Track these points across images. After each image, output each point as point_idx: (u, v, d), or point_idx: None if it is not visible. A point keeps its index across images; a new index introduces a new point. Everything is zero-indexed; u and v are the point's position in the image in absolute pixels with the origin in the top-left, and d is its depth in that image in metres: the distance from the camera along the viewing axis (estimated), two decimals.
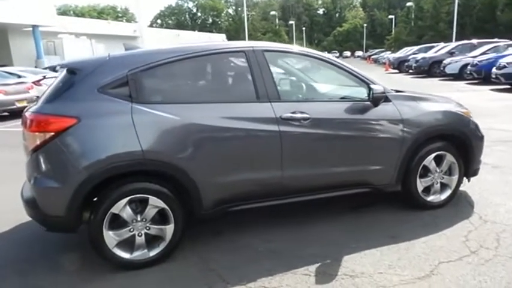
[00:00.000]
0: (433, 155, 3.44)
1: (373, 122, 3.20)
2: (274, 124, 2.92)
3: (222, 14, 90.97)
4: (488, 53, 16.37)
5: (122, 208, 2.65)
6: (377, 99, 3.11)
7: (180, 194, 2.80)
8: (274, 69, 3.08)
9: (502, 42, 18.33)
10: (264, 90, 2.95)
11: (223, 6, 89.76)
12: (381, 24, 73.24)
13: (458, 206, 3.61)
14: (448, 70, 17.57)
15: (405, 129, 3.27)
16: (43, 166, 2.57)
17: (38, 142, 2.54)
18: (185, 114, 2.74)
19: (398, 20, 54.24)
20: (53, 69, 16.19)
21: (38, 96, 7.04)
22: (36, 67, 19.69)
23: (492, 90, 12.50)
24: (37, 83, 11.98)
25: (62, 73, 2.92)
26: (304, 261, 2.80)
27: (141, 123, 2.63)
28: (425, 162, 3.43)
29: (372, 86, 3.12)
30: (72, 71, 2.73)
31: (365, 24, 74.98)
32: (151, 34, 43.95)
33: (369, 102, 3.18)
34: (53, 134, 2.52)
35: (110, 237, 2.67)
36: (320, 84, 3.65)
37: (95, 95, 2.64)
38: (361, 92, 3.26)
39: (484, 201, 3.70)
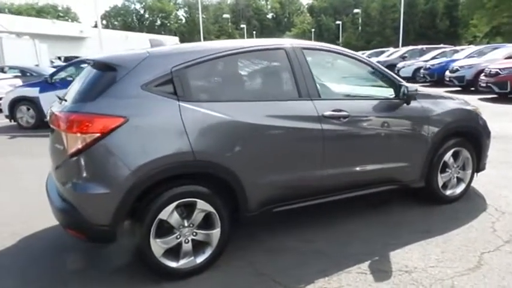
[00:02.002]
0: (452, 150, 3.59)
1: (405, 120, 3.28)
2: (317, 122, 2.88)
3: (171, 16, 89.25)
4: (438, 58, 17.52)
5: (170, 214, 2.48)
6: (410, 97, 3.18)
7: (226, 196, 2.67)
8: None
9: (448, 48, 19.74)
10: (305, 87, 2.90)
11: (173, 8, 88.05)
12: (328, 29, 75.53)
13: (472, 200, 3.79)
14: (402, 73, 18.49)
15: (430, 126, 3.38)
16: (87, 170, 2.33)
17: (81, 144, 2.30)
18: (232, 112, 2.62)
19: (346, 25, 56.42)
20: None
21: None
22: None
23: (446, 92, 13.33)
24: None
25: (92, 69, 2.68)
26: (352, 259, 2.78)
27: (190, 122, 2.48)
28: (445, 158, 3.56)
29: (405, 84, 3.18)
30: (111, 67, 2.50)
31: (313, 30, 77.01)
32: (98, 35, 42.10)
33: (398, 100, 3.24)
34: (98, 135, 2.30)
35: (157, 245, 2.48)
36: (352, 82, 3.67)
37: (139, 92, 2.45)
38: (390, 90, 3.32)
39: (492, 194, 3.91)
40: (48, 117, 2.90)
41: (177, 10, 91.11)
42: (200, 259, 2.63)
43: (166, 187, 2.46)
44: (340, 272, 2.63)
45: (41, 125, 9.14)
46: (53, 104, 3.02)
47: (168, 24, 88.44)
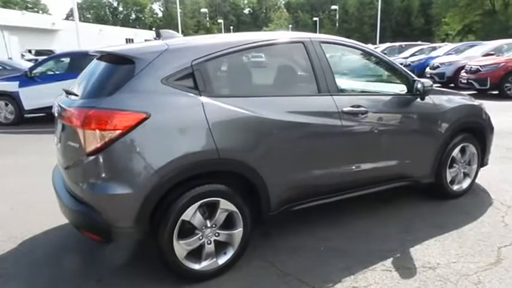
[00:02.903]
0: (460, 146, 3.61)
1: (419, 115, 3.27)
2: (337, 118, 2.83)
3: (146, 10, 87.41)
4: (417, 55, 17.86)
5: (193, 214, 2.37)
6: (426, 93, 3.17)
7: (248, 195, 2.58)
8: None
9: (426, 45, 20.15)
10: (325, 82, 2.84)
11: (147, 1, 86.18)
12: (305, 25, 75.93)
13: (477, 194, 3.83)
14: None
15: (442, 121, 3.39)
16: (106, 170, 2.19)
17: (100, 142, 2.15)
18: (254, 108, 2.52)
19: (323, 22, 56.83)
20: None
21: None
22: None
23: None
24: None
25: (103, 62, 2.53)
26: (374, 257, 2.75)
27: (213, 118, 2.37)
28: (454, 153, 3.59)
29: (421, 79, 3.17)
30: (128, 59, 2.36)
31: (290, 26, 77.24)
32: (72, 28, 40.69)
33: (413, 96, 3.23)
34: (119, 132, 2.16)
35: (180, 247, 2.37)
36: (367, 76, 3.63)
37: (160, 86, 2.32)
38: (402, 86, 3.31)
39: (494, 188, 3.97)
40: (55, 113, 2.72)
41: (152, 4, 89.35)
42: (222, 260, 2.54)
43: (189, 186, 2.35)
44: (365, 270, 2.59)
45: (20, 121, 8.75)
46: (58, 98, 2.85)
47: (143, 18, 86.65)
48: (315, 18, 62.10)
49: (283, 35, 2.94)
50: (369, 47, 3.35)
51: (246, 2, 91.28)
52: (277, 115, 2.60)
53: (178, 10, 33.10)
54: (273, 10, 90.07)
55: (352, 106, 2.90)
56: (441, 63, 13.71)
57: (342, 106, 2.85)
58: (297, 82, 2.93)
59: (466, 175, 3.79)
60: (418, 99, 3.24)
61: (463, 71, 11.81)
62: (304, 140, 2.74)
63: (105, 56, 2.57)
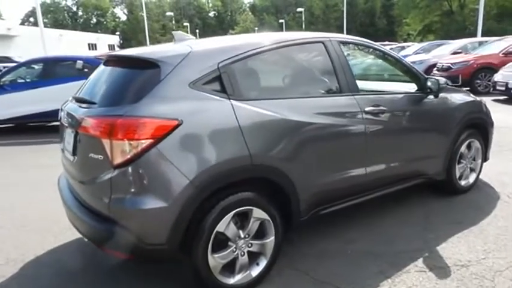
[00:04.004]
0: (467, 142, 3.66)
1: (434, 113, 3.29)
2: (360, 118, 2.78)
3: (108, 14, 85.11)
4: None
5: (227, 225, 2.23)
6: (440, 91, 3.18)
7: (279, 201, 2.47)
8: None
9: (394, 45, 20.73)
10: (346, 82, 2.78)
11: (109, 5, 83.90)
12: (270, 28, 76.58)
13: (482, 189, 3.90)
14: None
15: (453, 118, 3.42)
16: (137, 182, 2.01)
17: (130, 153, 1.98)
18: (282, 110, 2.42)
19: (290, 24, 57.42)
20: None
21: None
22: None
23: None
24: None
25: (119, 67, 2.35)
26: (404, 258, 2.71)
27: (245, 123, 2.24)
28: (462, 149, 3.63)
29: (435, 77, 3.18)
30: (152, 63, 2.19)
31: (256, 28, 77.59)
32: (30, 33, 38.86)
33: (427, 94, 3.24)
34: (151, 141, 1.99)
35: (215, 261, 2.22)
36: (382, 75, 3.60)
37: (188, 91, 2.17)
38: (412, 84, 3.31)
39: (496, 182, 4.05)
40: (63, 122, 2.51)
41: (114, 8, 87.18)
42: (255, 272, 2.41)
43: (222, 196, 2.21)
44: (400, 273, 2.54)
45: None
46: (65, 106, 2.63)
47: (105, 22, 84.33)
48: (281, 21, 62.67)
49: (303, 35, 2.85)
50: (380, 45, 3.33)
51: (210, 5, 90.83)
52: (304, 117, 2.51)
53: (145, 14, 32.33)
54: (239, 13, 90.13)
55: (373, 106, 2.85)
56: (412, 62, 14.06)
57: (363, 106, 2.80)
58: (320, 82, 2.85)
59: (472, 170, 3.85)
60: (431, 97, 3.24)
61: (435, 69, 12.21)
62: (330, 141, 2.67)
63: (121, 60, 2.39)
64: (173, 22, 66.42)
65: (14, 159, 6.30)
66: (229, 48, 2.42)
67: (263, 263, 2.44)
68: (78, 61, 7.64)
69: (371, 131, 2.84)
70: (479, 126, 3.79)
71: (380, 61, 3.32)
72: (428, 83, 3.18)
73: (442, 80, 3.19)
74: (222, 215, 2.19)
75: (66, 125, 2.47)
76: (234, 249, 2.30)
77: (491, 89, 9.96)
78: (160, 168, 2.01)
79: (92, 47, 51.36)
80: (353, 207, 3.28)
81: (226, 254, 2.26)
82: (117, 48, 52.03)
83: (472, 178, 3.84)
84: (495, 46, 12.05)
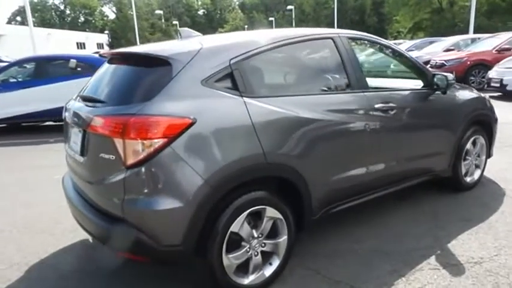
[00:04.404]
0: (472, 138, 3.66)
1: (441, 110, 3.27)
2: (370, 114, 2.75)
3: (96, 13, 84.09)
4: None
5: (241, 225, 2.18)
6: (448, 87, 3.16)
7: (291, 200, 2.43)
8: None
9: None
10: (355, 78, 2.75)
11: (97, 3, 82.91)
12: (260, 26, 76.45)
13: (486, 185, 3.90)
14: None
15: (460, 115, 3.41)
16: (152, 183, 1.94)
17: (144, 152, 1.91)
18: (294, 107, 2.37)
19: (280, 22, 57.40)
20: None
21: None
22: None
23: None
24: None
25: (126, 65, 2.29)
26: (416, 256, 2.68)
27: (258, 120, 2.19)
28: (467, 145, 3.62)
29: (443, 73, 3.16)
30: (163, 60, 2.12)
31: (246, 26, 77.40)
32: (17, 32, 38.22)
33: (434, 90, 3.22)
34: (165, 140, 1.93)
35: (229, 262, 2.18)
36: (389, 72, 3.58)
37: (201, 89, 2.11)
38: (421, 81, 3.29)
39: (498, 178, 4.06)
40: (68, 121, 2.43)
41: (102, 6, 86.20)
42: (268, 272, 2.37)
43: (235, 195, 2.16)
44: (413, 271, 2.51)
45: None
46: (69, 105, 2.56)
47: (93, 21, 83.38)
48: (270, 18, 62.59)
49: (313, 31, 2.81)
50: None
51: (200, 3, 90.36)
52: (316, 114, 2.47)
53: (134, 12, 31.96)
54: (228, 11, 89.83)
55: (382, 102, 2.82)
56: None
57: (373, 102, 2.77)
58: (331, 79, 2.81)
59: (476, 167, 3.85)
60: (439, 93, 3.23)
61: (428, 65, 12.25)
62: (341, 138, 2.63)
63: (128, 58, 2.32)
64: (162, 20, 65.85)
65: (8, 160, 6.16)
66: (240, 44, 2.37)
67: (276, 262, 2.40)
68: (72, 60, 7.49)
69: (381, 127, 2.81)
70: (484, 123, 3.78)
71: (387, 57, 3.29)
72: (436, 80, 3.16)
73: (450, 76, 3.17)
74: (236, 214, 2.15)
75: (73, 124, 2.40)
76: (248, 249, 2.25)
77: (486, 86, 10.03)
78: (174, 168, 1.96)
79: (81, 46, 50.73)
80: (358, 207, 3.27)
81: (241, 254, 2.22)
82: (106, 47, 51.44)
83: (476, 175, 3.84)
84: (488, 43, 12.16)
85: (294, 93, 2.49)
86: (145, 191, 1.95)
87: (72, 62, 7.45)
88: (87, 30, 72.22)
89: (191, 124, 1.98)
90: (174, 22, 65.20)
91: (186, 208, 1.97)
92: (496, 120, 3.96)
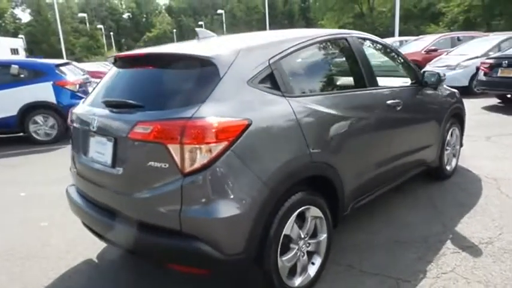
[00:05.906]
0: (451, 129, 3.97)
1: (434, 104, 3.51)
2: (385, 111, 2.87)
3: (6, 15, 76.93)
4: None
5: (292, 226, 2.15)
6: (439, 83, 3.41)
7: (327, 197, 2.44)
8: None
9: None
10: (370, 76, 2.85)
11: (7, 5, 75.83)
12: (189, 30, 75.61)
13: (461, 172, 4.24)
14: None
15: (445, 108, 3.69)
16: (213, 189, 1.82)
17: (205, 158, 1.80)
18: (329, 105, 2.40)
19: (210, 26, 57.25)
20: None
21: None
22: None
23: None
24: None
25: (161, 67, 2.15)
26: (433, 242, 2.83)
27: (302, 120, 2.17)
28: (448, 137, 3.92)
29: (434, 71, 3.39)
30: (207, 62, 2.01)
31: (174, 30, 76.01)
32: None
33: (428, 86, 3.44)
34: (226, 144, 1.83)
35: (283, 265, 2.13)
36: (389, 70, 3.70)
37: (248, 89, 2.04)
38: (414, 78, 3.49)
39: (471, 164, 4.43)
40: (89, 129, 2.21)
41: (13, 8, 79.11)
42: (312, 271, 2.35)
43: (286, 196, 2.11)
44: (438, 256, 2.66)
45: None
46: (81, 112, 2.32)
47: (3, 24, 76.19)
48: (200, 22, 62.24)
49: (328, 31, 2.85)
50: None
51: (124, 6, 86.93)
52: (346, 111, 2.53)
53: (58, 15, 29.74)
54: (154, 15, 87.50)
55: (392, 99, 2.95)
56: None
57: (385, 99, 2.89)
58: (351, 77, 2.86)
59: (453, 156, 4.17)
60: (431, 89, 3.46)
61: None
62: (365, 134, 2.71)
63: (160, 59, 2.18)
64: (87, 24, 62.20)
65: None
66: (276, 43, 2.34)
67: (318, 261, 2.39)
68: (13, 66, 6.79)
69: (393, 123, 2.95)
70: (458, 115, 4.12)
71: (385, 56, 3.44)
72: (428, 76, 3.38)
73: (441, 73, 3.41)
74: (288, 216, 2.11)
75: (95, 133, 2.17)
76: (297, 251, 2.22)
77: None
78: (235, 172, 1.86)
79: None
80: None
81: (292, 256, 2.18)
82: (22, 52, 47.23)
83: (453, 163, 4.17)
84: (416, 45, 13.20)
85: (325, 92, 2.52)
86: (206, 198, 1.83)
87: (14, 68, 6.76)
88: None
89: (248, 126, 1.91)
90: (99, 26, 62.04)
91: (248, 213, 1.89)
92: (465, 113, 4.33)
